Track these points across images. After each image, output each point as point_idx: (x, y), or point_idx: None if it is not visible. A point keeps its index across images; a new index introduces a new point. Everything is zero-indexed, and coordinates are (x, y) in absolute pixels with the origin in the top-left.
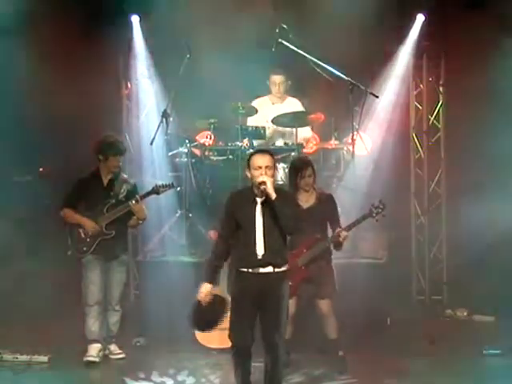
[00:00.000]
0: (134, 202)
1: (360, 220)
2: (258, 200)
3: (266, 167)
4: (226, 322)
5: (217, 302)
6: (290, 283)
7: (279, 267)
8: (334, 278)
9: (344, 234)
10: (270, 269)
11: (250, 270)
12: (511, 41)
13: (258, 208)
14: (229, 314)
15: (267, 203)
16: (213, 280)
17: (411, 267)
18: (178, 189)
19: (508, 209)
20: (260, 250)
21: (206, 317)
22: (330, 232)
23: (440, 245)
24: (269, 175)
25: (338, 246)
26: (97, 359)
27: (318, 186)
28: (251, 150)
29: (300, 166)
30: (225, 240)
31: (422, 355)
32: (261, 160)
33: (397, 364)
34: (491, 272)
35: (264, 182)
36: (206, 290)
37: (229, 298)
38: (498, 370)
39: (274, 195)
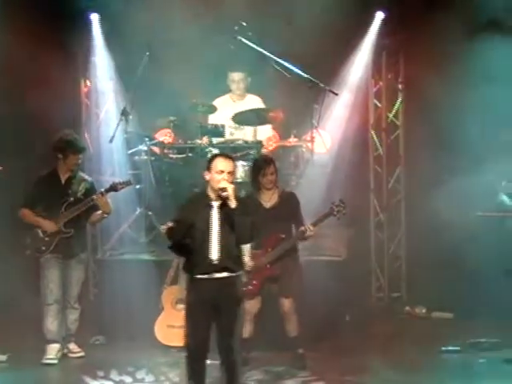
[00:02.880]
0: (99, 195)
1: (322, 219)
2: (215, 204)
3: (229, 172)
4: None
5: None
6: (255, 282)
7: (234, 272)
8: (301, 276)
9: (311, 228)
10: (225, 274)
11: (205, 276)
12: (470, 39)
13: (214, 212)
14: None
15: (224, 207)
16: None
17: (370, 264)
18: (138, 187)
19: (466, 206)
20: (215, 255)
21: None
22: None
23: (399, 242)
24: (229, 181)
25: (304, 240)
26: (55, 361)
27: (280, 185)
28: (211, 148)
29: (263, 165)
30: (178, 243)
31: (380, 352)
32: (224, 164)
33: (356, 361)
34: (450, 269)
35: (225, 189)
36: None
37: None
38: (456, 367)
39: (234, 204)
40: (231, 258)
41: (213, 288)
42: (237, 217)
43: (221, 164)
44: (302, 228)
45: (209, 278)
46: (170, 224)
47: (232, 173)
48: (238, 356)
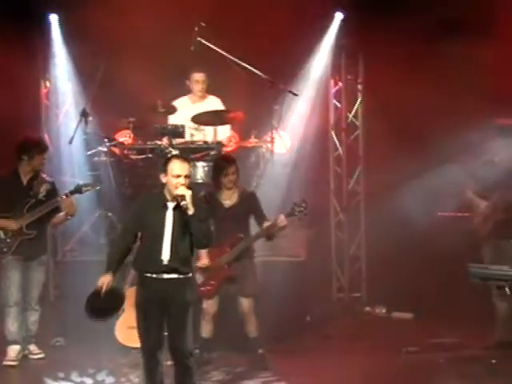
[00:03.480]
0: (64, 196)
1: (286, 217)
2: (170, 205)
3: (185, 176)
4: None
5: (114, 294)
6: (213, 282)
7: (184, 274)
8: (257, 276)
9: (282, 217)
10: (174, 275)
11: (154, 275)
12: (429, 39)
13: (169, 213)
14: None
15: (178, 209)
16: (112, 270)
17: (330, 265)
18: (98, 188)
19: (426, 206)
20: (166, 256)
21: (99, 306)
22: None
23: (359, 242)
24: (186, 185)
25: (271, 237)
26: (15, 362)
27: (240, 185)
28: (171, 149)
29: (224, 165)
30: (127, 237)
31: (341, 352)
32: (180, 168)
33: (316, 361)
34: (410, 269)
35: (184, 197)
36: (104, 279)
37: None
38: (416, 367)
39: (192, 210)
40: (181, 259)
41: (161, 288)
42: (194, 223)
43: (177, 168)
44: (268, 223)
45: (158, 278)
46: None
47: (188, 176)
48: (188, 358)
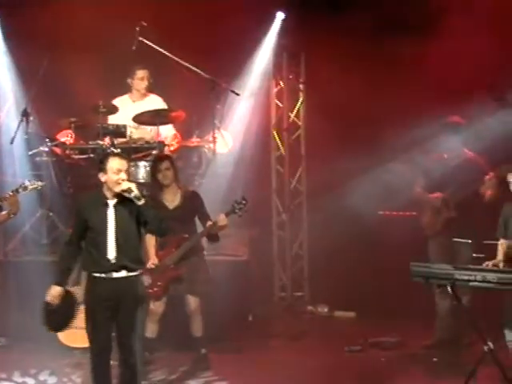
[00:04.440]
0: (10, 193)
1: (227, 215)
2: (110, 203)
3: (126, 171)
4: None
5: (67, 302)
6: (160, 283)
7: (133, 271)
8: (209, 274)
9: (222, 216)
10: (123, 273)
11: (103, 275)
12: (372, 38)
13: (111, 211)
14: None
15: (120, 206)
16: (62, 282)
17: (273, 264)
18: (43, 184)
19: (368, 205)
20: (112, 254)
21: (55, 318)
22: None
23: (301, 241)
24: (128, 179)
25: (215, 238)
26: None
27: (182, 185)
28: (112, 149)
29: (157, 161)
30: (75, 242)
31: (284, 352)
32: (120, 163)
33: (259, 361)
34: (352, 268)
35: (130, 189)
36: (54, 292)
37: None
38: (358, 366)
39: (142, 200)
40: (129, 256)
41: (111, 287)
42: (148, 211)
43: (117, 164)
44: (211, 222)
45: (107, 278)
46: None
47: (128, 171)
48: (137, 357)
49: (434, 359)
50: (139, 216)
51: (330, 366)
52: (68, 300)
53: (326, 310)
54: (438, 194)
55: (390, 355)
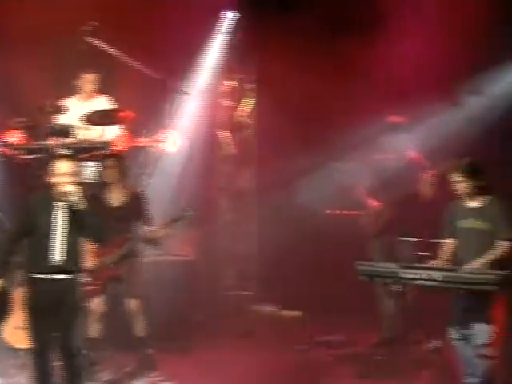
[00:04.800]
0: None
1: (170, 223)
2: (58, 205)
3: (69, 174)
4: None
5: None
6: (99, 281)
7: (75, 274)
8: (141, 277)
9: (163, 231)
10: (65, 275)
11: (44, 276)
12: (321, 38)
13: (58, 213)
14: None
15: (67, 208)
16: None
17: (220, 263)
18: None
19: (316, 204)
20: (56, 256)
21: None
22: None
23: (249, 241)
24: (73, 183)
25: (153, 242)
26: None
27: (129, 185)
28: (60, 149)
29: (102, 159)
30: (16, 239)
31: (231, 351)
32: (65, 167)
33: (206, 361)
34: (299, 268)
35: (71, 192)
36: None
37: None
38: (305, 365)
39: (82, 205)
40: (72, 259)
41: (52, 289)
42: (87, 218)
43: (62, 167)
44: (149, 229)
45: (48, 279)
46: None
47: (75, 174)
48: (79, 358)
49: (380, 357)
50: (79, 220)
51: (277, 365)
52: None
53: (273, 309)
54: (377, 203)
55: (337, 354)
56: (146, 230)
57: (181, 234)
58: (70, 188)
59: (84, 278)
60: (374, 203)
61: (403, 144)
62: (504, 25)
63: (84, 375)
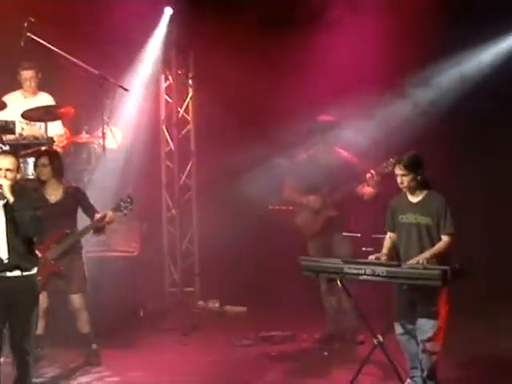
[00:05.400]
0: None
1: (112, 212)
2: (0, 202)
3: (7, 170)
4: None
5: None
6: (39, 277)
7: (28, 270)
8: (84, 272)
9: (110, 213)
10: (17, 273)
11: None
12: (259, 33)
13: (0, 211)
14: None
15: (8, 205)
16: None
17: (163, 259)
18: None
19: (257, 200)
20: (4, 254)
21: None
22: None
23: (191, 237)
24: (9, 178)
25: (101, 230)
26: None
27: (66, 180)
28: (1, 145)
29: (36, 156)
30: None
31: (175, 347)
32: (6, 163)
33: (151, 356)
34: (242, 263)
35: (1, 186)
36: None
37: None
38: (249, 360)
39: (11, 199)
40: (22, 256)
41: (5, 287)
42: (17, 211)
43: (3, 162)
44: (98, 215)
45: (0, 277)
46: None
47: (11, 170)
48: (30, 355)
49: (325, 353)
50: (13, 215)
51: (221, 360)
52: None
53: (217, 305)
54: (315, 196)
55: (282, 349)
56: (91, 220)
57: (126, 229)
58: (3, 182)
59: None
60: (311, 200)
61: (329, 143)
62: (452, 16)
63: (32, 373)
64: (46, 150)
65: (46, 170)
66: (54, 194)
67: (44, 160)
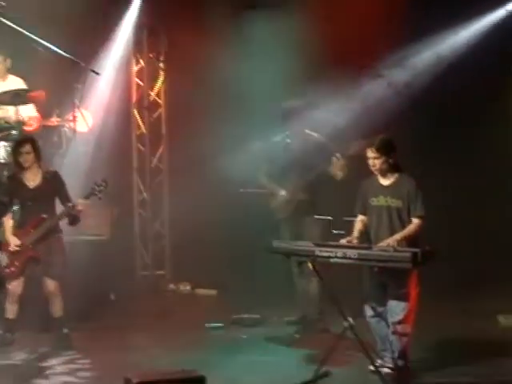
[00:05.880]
0: None
1: (87, 197)
2: None
3: None
4: None
5: None
6: (17, 263)
7: None
8: (65, 257)
9: (82, 201)
10: None
11: None
12: (234, 17)
13: None
14: None
15: None
16: None
17: (134, 243)
18: None
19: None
20: None
21: None
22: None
23: (163, 220)
24: None
25: (75, 219)
26: None
27: (43, 165)
28: None
29: (17, 144)
30: None
31: (147, 330)
32: None
33: (122, 339)
34: (213, 246)
35: None
36: None
37: None
38: (220, 343)
39: None
40: None
41: None
42: None
43: None
44: (70, 204)
45: None
46: None
47: None
48: None
49: (296, 335)
50: None
51: (192, 342)
52: None
53: (188, 287)
54: (285, 191)
55: (252, 332)
56: (66, 207)
57: (97, 213)
58: None
59: (1, 260)
60: (281, 194)
61: (300, 127)
62: None
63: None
64: (28, 138)
65: (30, 156)
66: (32, 179)
67: (28, 148)
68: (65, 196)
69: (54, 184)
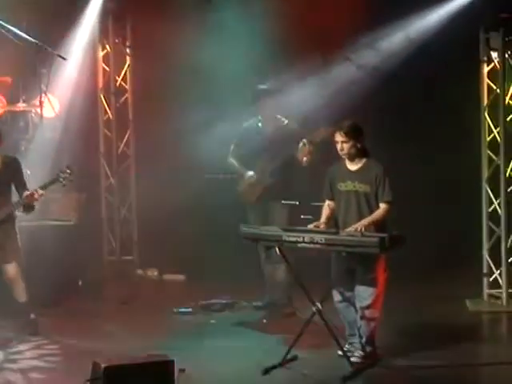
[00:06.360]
0: None
1: (47, 185)
2: None
3: None
4: None
5: None
6: None
7: None
8: (18, 242)
9: (40, 192)
10: None
11: None
12: (194, 2)
13: None
14: None
15: None
16: None
17: (102, 228)
18: None
19: (195, 168)
20: None
21: None
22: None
23: (130, 205)
24: None
25: (30, 208)
26: None
27: (3, 150)
28: None
29: None
30: None
31: (114, 316)
32: None
33: (90, 325)
34: (181, 232)
35: None
36: None
37: None
38: (189, 328)
39: None
40: None
41: None
42: None
43: None
44: (28, 192)
45: None
46: None
47: None
48: None
49: (264, 320)
50: None
51: (160, 329)
52: None
53: (155, 273)
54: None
55: (221, 317)
56: (23, 194)
57: (63, 198)
58: None
59: None
60: (247, 175)
61: (270, 111)
62: None
63: None
64: None
65: None
66: None
67: None
68: (21, 184)
69: (12, 170)
